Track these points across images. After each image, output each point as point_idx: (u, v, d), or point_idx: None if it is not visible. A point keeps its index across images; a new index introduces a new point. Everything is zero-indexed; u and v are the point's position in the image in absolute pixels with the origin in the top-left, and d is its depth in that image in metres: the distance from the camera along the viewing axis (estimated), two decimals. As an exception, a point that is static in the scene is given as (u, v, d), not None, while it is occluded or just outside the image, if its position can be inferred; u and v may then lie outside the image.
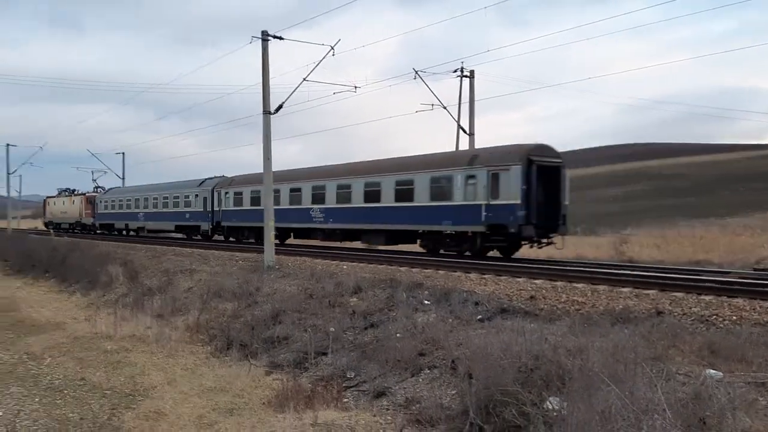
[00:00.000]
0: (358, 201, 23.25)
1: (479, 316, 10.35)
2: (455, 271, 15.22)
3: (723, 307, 9.64)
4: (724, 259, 19.32)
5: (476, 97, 27.45)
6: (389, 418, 7.73)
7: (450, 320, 10.34)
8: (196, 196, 34.95)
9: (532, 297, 11.26)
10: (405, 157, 23.79)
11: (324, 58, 19.88)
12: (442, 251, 20.48)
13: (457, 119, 28.56)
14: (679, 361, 7.26)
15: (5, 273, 29.91)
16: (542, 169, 18.10)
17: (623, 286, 11.88)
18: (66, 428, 8.04)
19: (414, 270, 15.97)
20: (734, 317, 9.01)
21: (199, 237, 35.17)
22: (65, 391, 9.88)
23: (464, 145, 27.38)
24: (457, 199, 19.43)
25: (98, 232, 46.86)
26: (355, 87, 22.85)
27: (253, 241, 29.27)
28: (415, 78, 26.28)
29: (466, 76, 27.70)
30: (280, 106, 19.86)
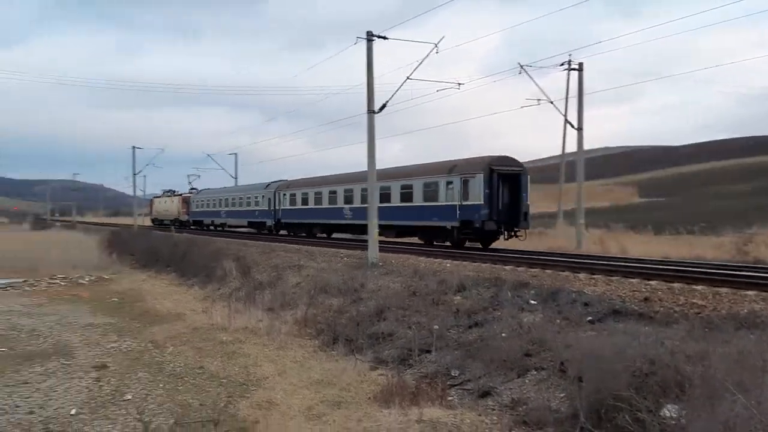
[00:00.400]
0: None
1: (589, 318, 9.99)
2: (563, 271, 14.78)
3: None
4: None
5: (584, 91, 26.51)
6: (495, 418, 7.64)
7: (558, 321, 10.06)
8: (263, 197, 40.50)
9: (646, 299, 10.72)
10: (407, 166, 28.64)
11: (428, 55, 19.93)
12: (435, 242, 25.07)
13: (564, 114, 27.75)
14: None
15: (132, 267, 32.01)
16: (503, 176, 22.33)
17: (748, 289, 11.06)
18: (187, 413, 8.55)
19: (519, 269, 15.68)
20: None
21: (265, 231, 40.34)
22: (186, 378, 10.52)
23: (572, 140, 26.57)
24: (441, 201, 23.94)
25: (192, 227, 52.80)
26: (459, 84, 22.73)
27: (304, 235, 35.21)
28: (520, 73, 25.78)
29: (574, 69, 26.80)
30: (384, 105, 20.09)
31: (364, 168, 21.15)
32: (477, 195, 22.16)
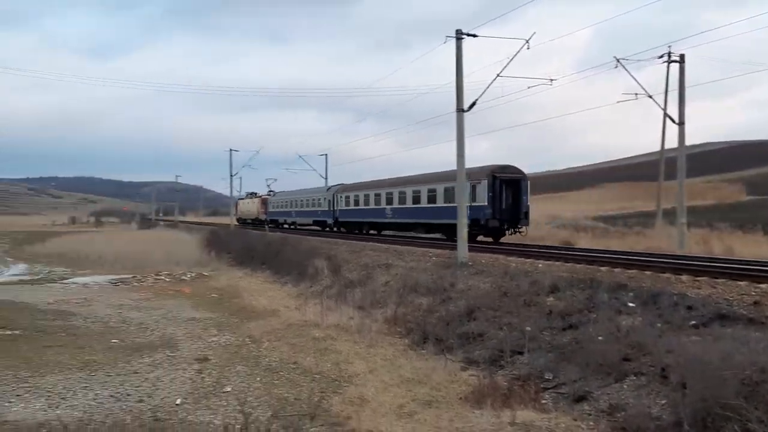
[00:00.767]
0: (409, 203, 32.51)
1: (693, 322, 9.48)
2: (663, 272, 14.10)
3: None
4: None
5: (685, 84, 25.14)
6: (591, 423, 7.43)
7: (658, 324, 9.61)
8: (324, 198, 45.48)
9: (756, 302, 10.04)
10: (433, 173, 31.97)
11: (518, 52, 19.52)
12: (454, 239, 26.83)
13: (663, 108, 26.46)
14: None
15: (229, 264, 33.34)
16: (505, 182, 26.35)
17: None
18: (284, 407, 8.83)
19: (615, 270, 15.10)
20: None
21: (327, 229, 44.96)
22: (281, 373, 10.87)
23: (673, 135, 25.30)
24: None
25: (270, 226, 56.41)
26: (551, 80, 22.13)
27: (357, 231, 39.48)
28: (616, 67, 24.63)
29: (674, 61, 25.42)
30: (474, 103, 19.87)
31: (450, 167, 22.58)
32: (482, 197, 26.16)
